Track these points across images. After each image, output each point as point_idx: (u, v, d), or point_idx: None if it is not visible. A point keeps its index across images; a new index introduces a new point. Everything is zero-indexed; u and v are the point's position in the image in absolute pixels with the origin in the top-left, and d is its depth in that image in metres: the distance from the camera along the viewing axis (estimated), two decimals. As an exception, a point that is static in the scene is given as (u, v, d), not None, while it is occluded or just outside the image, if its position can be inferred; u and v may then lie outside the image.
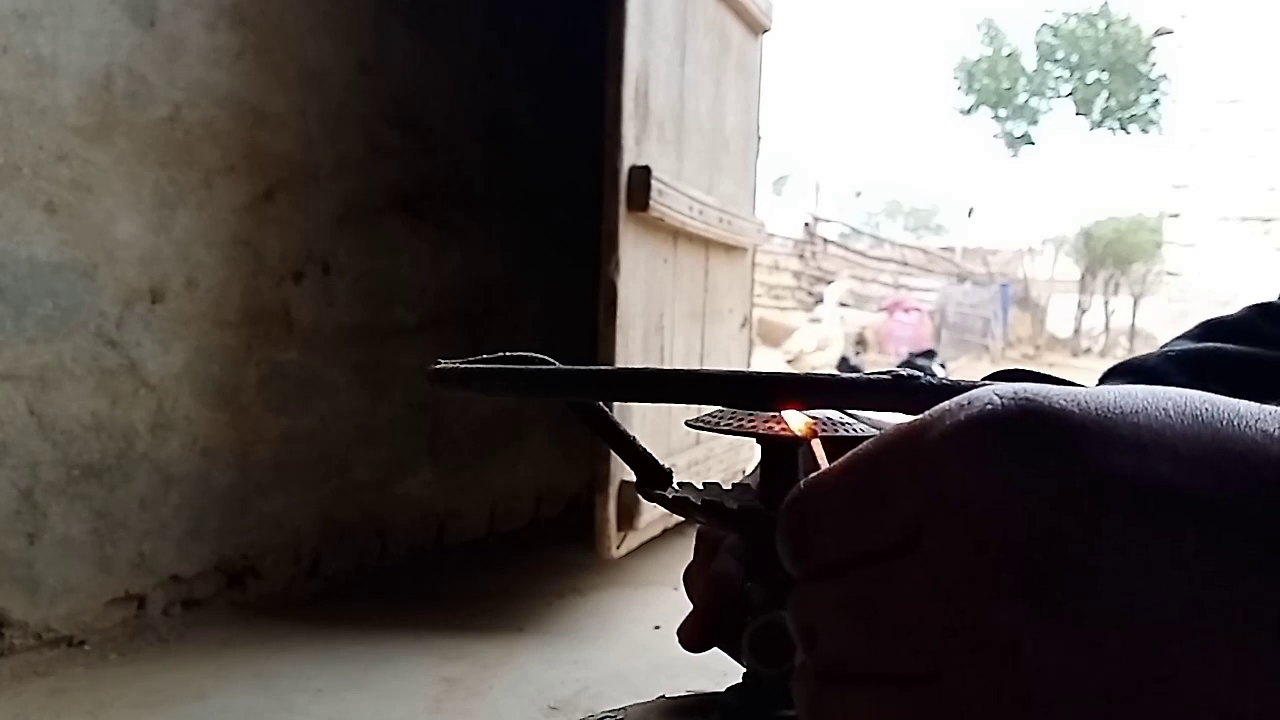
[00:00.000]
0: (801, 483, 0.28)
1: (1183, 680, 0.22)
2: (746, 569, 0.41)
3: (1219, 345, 0.60)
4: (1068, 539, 0.23)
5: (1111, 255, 20.74)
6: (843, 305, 14.25)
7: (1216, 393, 0.25)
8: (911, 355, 11.33)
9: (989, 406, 0.24)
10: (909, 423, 0.26)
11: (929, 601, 0.24)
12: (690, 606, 0.46)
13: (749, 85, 4.01)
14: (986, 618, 0.23)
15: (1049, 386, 0.25)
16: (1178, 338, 0.65)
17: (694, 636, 0.43)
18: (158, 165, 2.63)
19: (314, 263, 3.06)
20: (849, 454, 0.27)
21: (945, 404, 0.25)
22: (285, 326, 2.99)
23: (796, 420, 0.36)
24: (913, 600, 0.24)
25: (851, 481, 0.26)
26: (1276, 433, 0.23)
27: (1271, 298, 0.65)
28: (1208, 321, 0.65)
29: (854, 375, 0.32)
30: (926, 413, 0.26)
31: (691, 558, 0.47)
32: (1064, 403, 0.24)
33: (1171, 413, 0.24)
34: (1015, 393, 0.24)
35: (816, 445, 0.35)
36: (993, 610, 0.23)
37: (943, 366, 10.96)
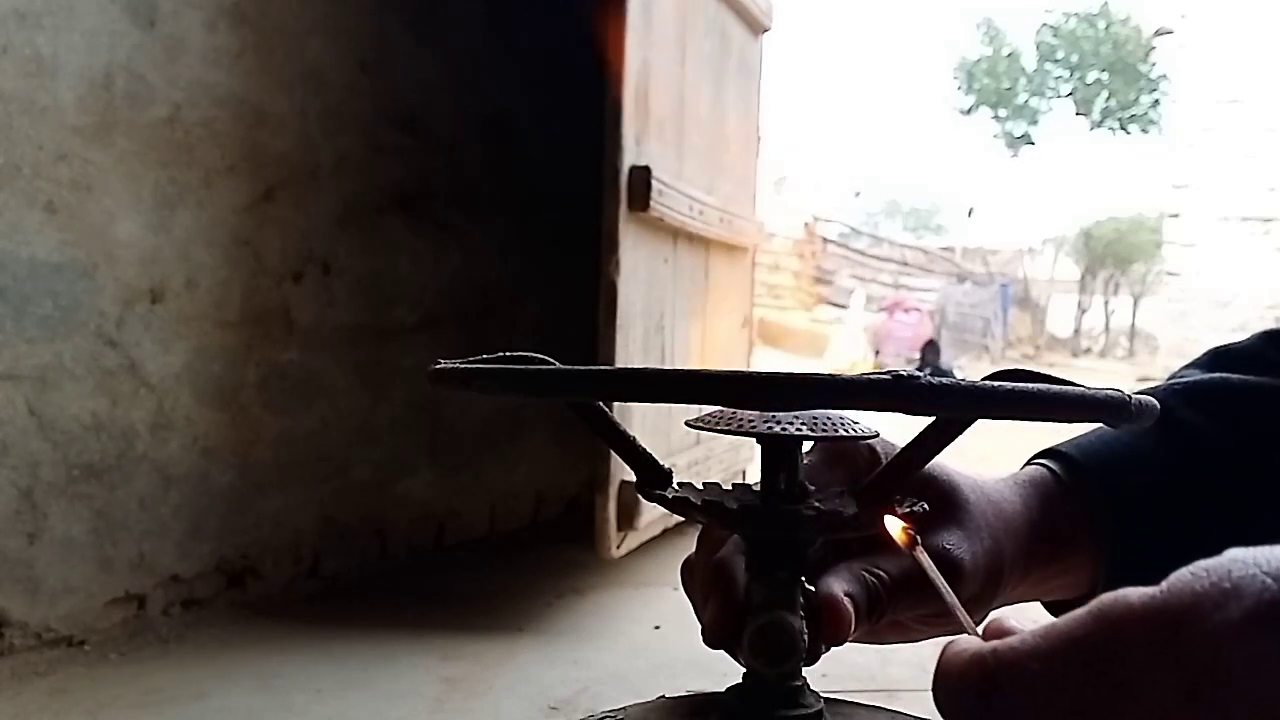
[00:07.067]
0: (992, 666, 0.24)
1: None
2: (747, 569, 0.41)
3: (1224, 376, 0.59)
4: None
5: (1111, 255, 20.74)
6: (842, 306, 14.24)
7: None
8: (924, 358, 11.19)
9: (1266, 597, 0.21)
10: (1152, 610, 0.23)
11: None
12: (688, 600, 0.45)
13: (749, 85, 4.00)
14: None
15: None
16: (1185, 367, 0.64)
17: (717, 631, 0.41)
18: (158, 165, 2.63)
19: (314, 263, 3.06)
20: (1054, 642, 0.24)
21: (1199, 588, 0.22)
22: (285, 326, 2.99)
23: (895, 527, 0.35)
24: None
25: (1078, 676, 0.23)
26: None
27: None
28: (1216, 350, 0.64)
29: (854, 375, 0.32)
30: (1169, 595, 0.22)
31: (693, 551, 0.46)
32: None
33: None
34: None
35: (923, 557, 0.34)
36: None
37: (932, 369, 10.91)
